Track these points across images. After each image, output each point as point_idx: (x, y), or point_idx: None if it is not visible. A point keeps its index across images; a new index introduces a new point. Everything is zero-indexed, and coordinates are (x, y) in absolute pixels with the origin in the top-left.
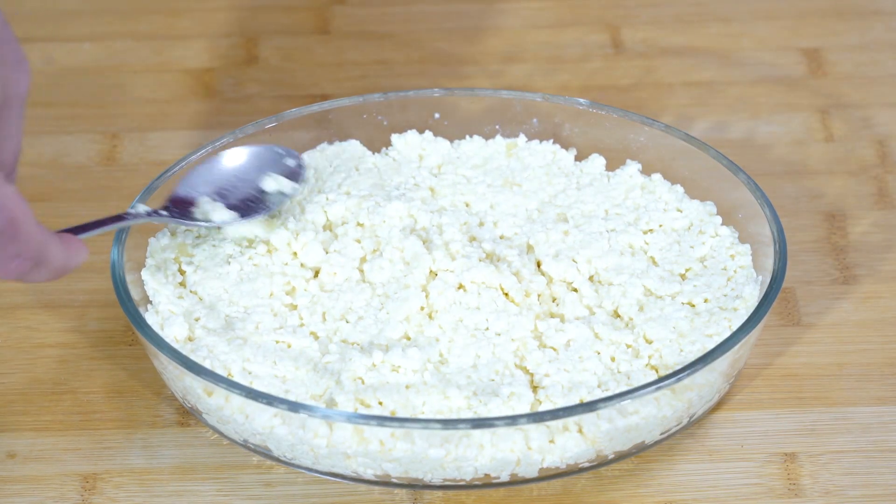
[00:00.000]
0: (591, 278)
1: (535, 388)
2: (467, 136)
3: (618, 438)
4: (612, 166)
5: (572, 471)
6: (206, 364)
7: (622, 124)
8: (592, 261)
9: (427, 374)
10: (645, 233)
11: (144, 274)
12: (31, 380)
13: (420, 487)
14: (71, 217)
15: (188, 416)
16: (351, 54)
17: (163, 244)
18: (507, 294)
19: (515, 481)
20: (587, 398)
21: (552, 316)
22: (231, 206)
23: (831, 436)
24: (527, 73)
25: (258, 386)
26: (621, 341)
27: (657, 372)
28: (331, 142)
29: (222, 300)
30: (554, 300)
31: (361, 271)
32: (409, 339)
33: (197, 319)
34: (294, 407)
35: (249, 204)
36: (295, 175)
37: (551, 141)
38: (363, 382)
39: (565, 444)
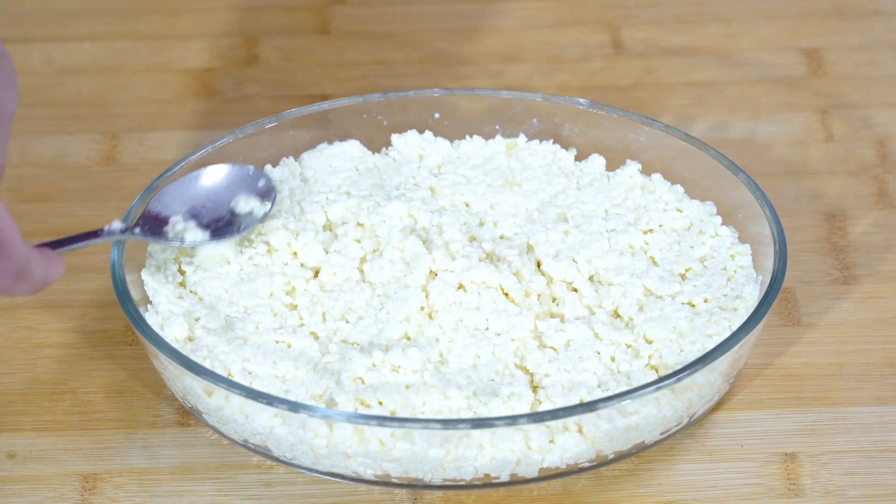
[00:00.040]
0: (591, 278)
1: (535, 388)
2: (467, 136)
3: (618, 438)
4: (612, 166)
5: (572, 471)
6: (206, 364)
7: (622, 124)
8: (592, 261)
9: (427, 374)
10: (645, 233)
11: (144, 274)
12: (31, 380)
13: (420, 487)
14: (71, 217)
15: (188, 416)
16: (351, 54)
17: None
18: (507, 294)
19: (515, 481)
20: (587, 398)
21: (552, 316)
22: (203, 226)
23: (831, 436)
24: (527, 73)
25: (258, 386)
26: (621, 341)
27: (657, 372)
28: (331, 142)
29: (222, 300)
30: (554, 300)
31: (361, 271)
32: (409, 339)
33: (197, 319)
34: (294, 407)
35: (220, 225)
36: (266, 195)
37: (551, 141)
38: (363, 382)
39: (565, 444)
